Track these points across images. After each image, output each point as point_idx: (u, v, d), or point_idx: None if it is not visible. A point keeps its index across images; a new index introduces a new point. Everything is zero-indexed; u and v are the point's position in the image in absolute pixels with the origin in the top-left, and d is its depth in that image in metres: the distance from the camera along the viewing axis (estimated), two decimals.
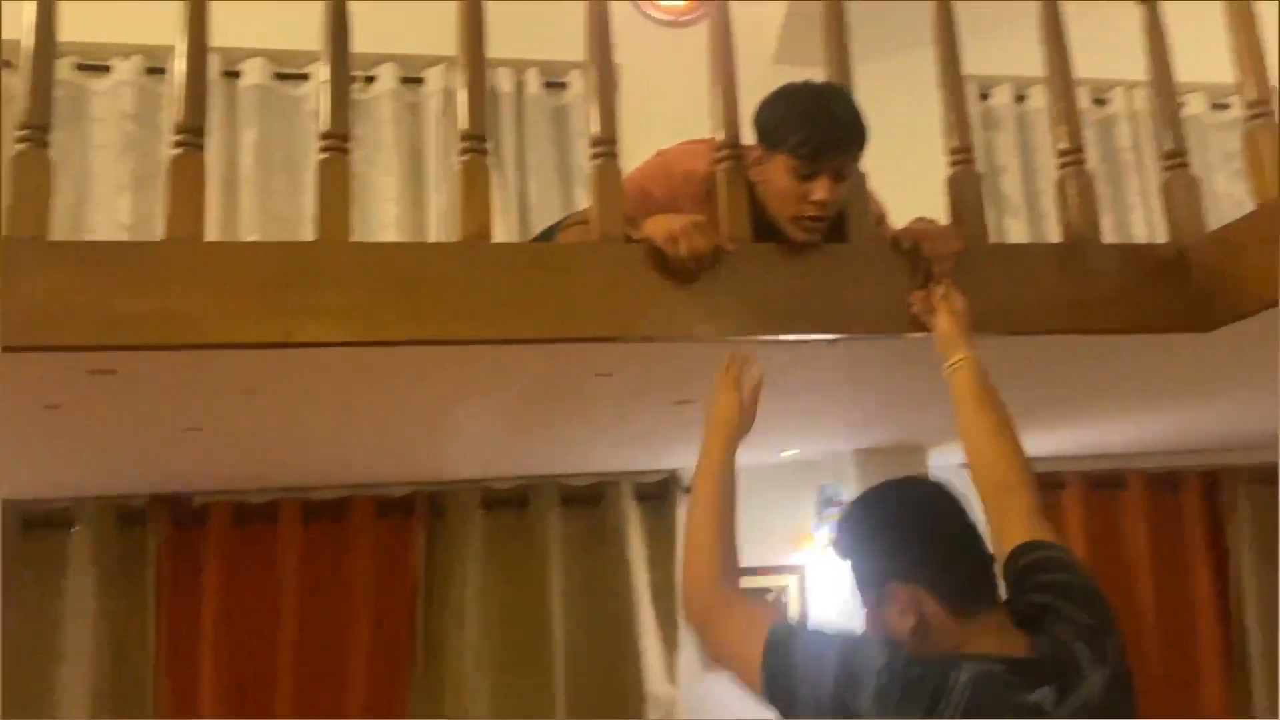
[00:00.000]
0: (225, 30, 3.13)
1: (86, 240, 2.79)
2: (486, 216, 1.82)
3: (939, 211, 2.06)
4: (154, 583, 3.11)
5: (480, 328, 1.79)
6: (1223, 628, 3.73)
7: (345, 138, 1.87)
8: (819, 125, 1.82)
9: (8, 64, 2.18)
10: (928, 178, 2.22)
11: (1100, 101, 4.28)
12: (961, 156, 2.03)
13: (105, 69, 3.53)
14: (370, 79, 3.70)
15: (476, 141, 1.84)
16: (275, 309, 1.68)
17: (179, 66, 1.81)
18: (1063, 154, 2.09)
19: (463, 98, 1.88)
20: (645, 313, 1.82)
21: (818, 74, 1.98)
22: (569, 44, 2.18)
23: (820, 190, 1.83)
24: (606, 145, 1.89)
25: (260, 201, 3.52)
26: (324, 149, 1.84)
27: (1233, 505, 3.80)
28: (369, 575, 3.22)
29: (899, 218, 2.09)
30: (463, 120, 1.85)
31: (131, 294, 1.65)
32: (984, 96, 4.18)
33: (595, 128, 1.90)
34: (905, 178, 2.37)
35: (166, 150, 1.82)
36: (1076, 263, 2.03)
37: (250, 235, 3.47)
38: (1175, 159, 2.12)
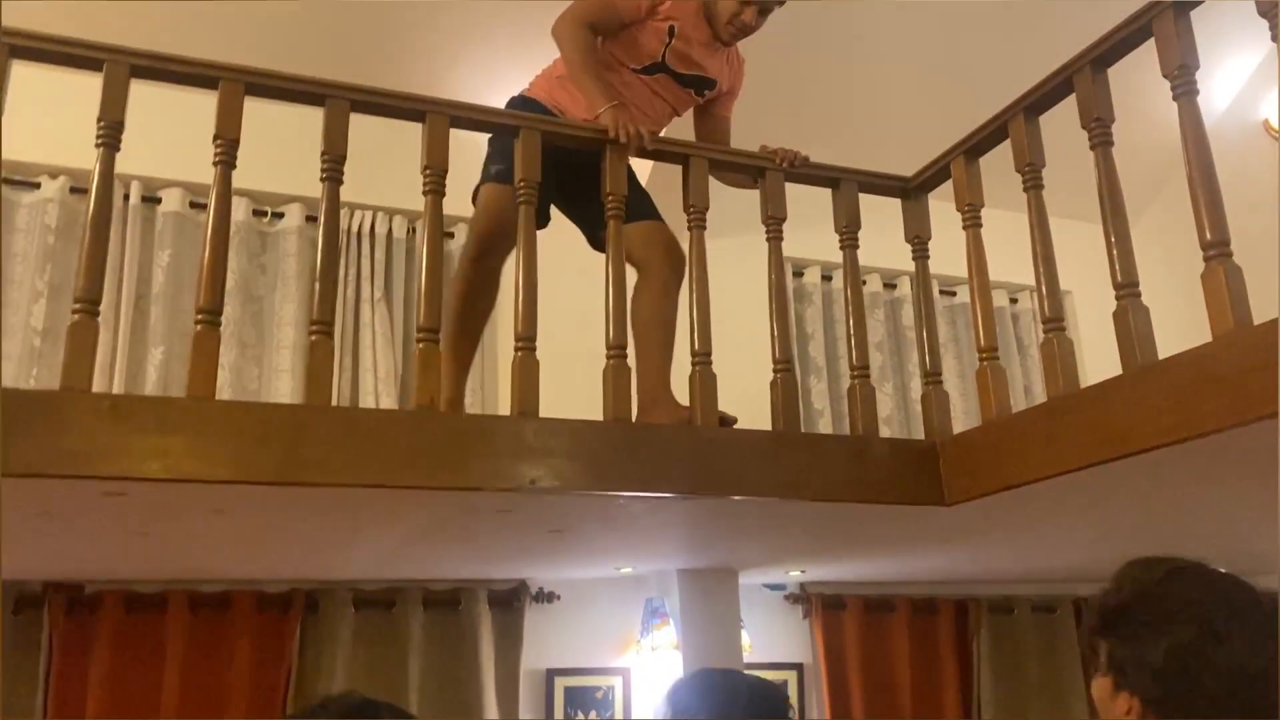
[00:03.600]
0: (145, 161, 3.60)
1: (120, 394, 3.21)
2: (436, 391, 2.37)
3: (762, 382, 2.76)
4: (44, 666, 3.37)
5: (420, 476, 2.32)
6: None
7: (329, 323, 2.35)
8: None
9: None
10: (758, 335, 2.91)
11: (890, 286, 5.21)
12: (783, 366, 2.74)
13: (35, 185, 3.87)
14: (279, 215, 4.18)
15: (430, 333, 2.40)
16: (274, 457, 2.17)
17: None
18: (854, 368, 2.84)
19: (425, 283, 2.42)
20: (543, 470, 2.40)
21: None
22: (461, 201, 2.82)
23: (748, 14, 2.86)
24: (526, 341, 2.48)
25: (169, 316, 3.90)
26: (313, 333, 2.32)
27: (977, 628, 4.65)
28: (248, 664, 3.58)
29: (740, 371, 2.85)
30: (425, 315, 2.40)
31: (158, 434, 2.11)
32: (798, 275, 5.02)
33: (520, 326, 2.49)
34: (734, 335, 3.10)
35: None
36: (861, 451, 2.76)
37: (157, 346, 3.85)
38: (932, 376, 2.91)
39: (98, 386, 3.60)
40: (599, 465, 2.43)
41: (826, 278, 5.08)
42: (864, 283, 5.03)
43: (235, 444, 2.17)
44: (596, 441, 2.45)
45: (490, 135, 2.86)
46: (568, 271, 3.05)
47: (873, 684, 4.45)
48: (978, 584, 4.72)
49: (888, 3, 4.27)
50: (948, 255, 3.03)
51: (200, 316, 2.25)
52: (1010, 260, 3.05)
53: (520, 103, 2.93)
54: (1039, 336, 5.22)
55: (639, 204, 2.85)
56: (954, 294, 5.23)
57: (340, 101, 2.46)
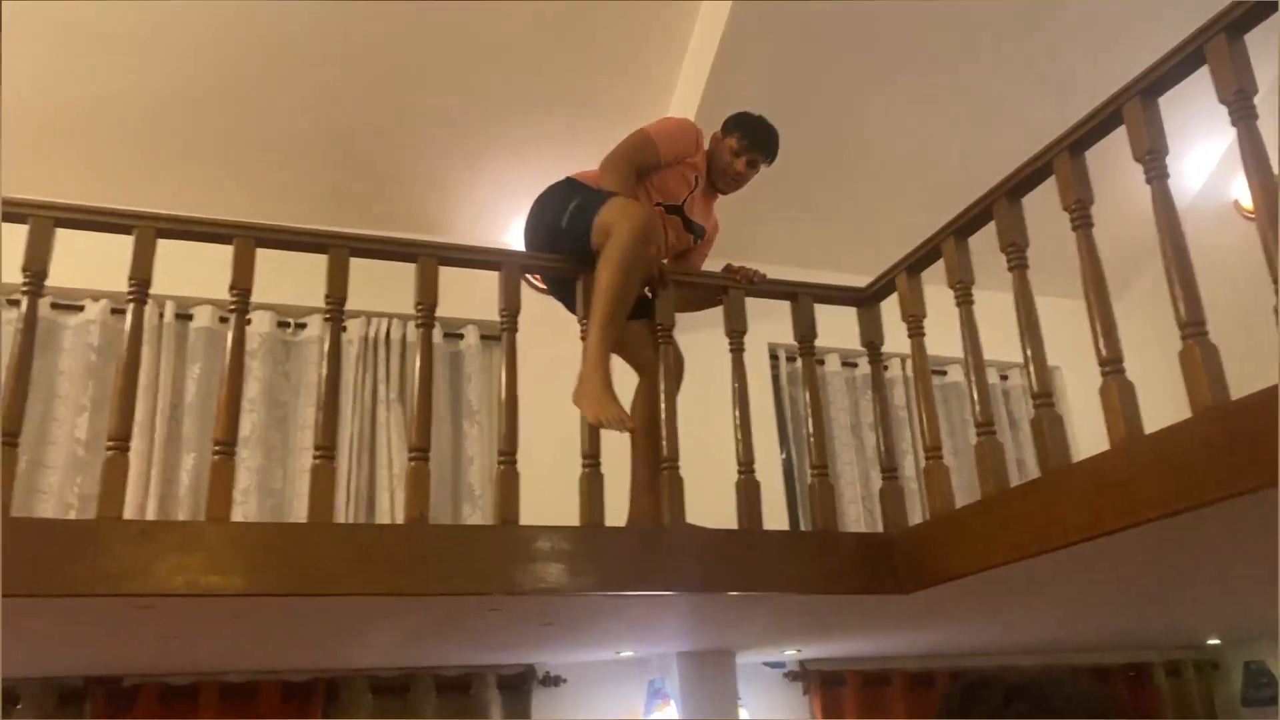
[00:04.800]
0: (178, 281, 3.96)
1: (148, 520, 3.59)
2: (425, 506, 2.65)
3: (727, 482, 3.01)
4: None
5: (412, 584, 2.59)
6: None
7: (331, 448, 2.65)
8: (761, 134, 3.33)
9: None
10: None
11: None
12: (745, 468, 3.00)
13: (79, 308, 4.25)
14: (301, 325, 4.53)
15: (421, 453, 2.69)
16: (282, 571, 2.46)
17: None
18: (814, 467, 3.09)
19: (417, 405, 2.72)
20: (523, 574, 2.67)
21: None
22: (463, 304, 3.12)
23: (740, 165, 3.29)
24: (508, 455, 2.77)
25: (201, 424, 4.24)
26: (317, 457, 2.62)
27: None
28: None
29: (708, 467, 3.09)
30: (412, 437, 2.70)
31: (180, 554, 2.40)
32: (791, 359, 5.29)
33: (502, 442, 2.78)
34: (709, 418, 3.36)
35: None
36: (824, 546, 3.00)
37: (189, 452, 4.19)
38: (890, 472, 3.15)
39: (136, 491, 4.01)
40: (575, 567, 2.69)
41: (820, 360, 5.34)
42: (854, 364, 5.33)
43: (249, 560, 2.46)
44: (572, 545, 2.71)
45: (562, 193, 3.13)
46: (543, 380, 3.34)
47: None
48: (973, 656, 4.89)
49: (864, 102, 4.59)
50: (939, 335, 3.15)
51: (217, 448, 2.55)
52: (1000, 338, 3.07)
53: (567, 183, 3.17)
54: (1029, 413, 5.49)
55: (640, 301, 3.08)
56: (944, 373, 5.46)
57: (340, 250, 2.79)
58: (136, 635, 3.06)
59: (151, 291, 2.67)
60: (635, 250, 2.86)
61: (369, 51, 4.22)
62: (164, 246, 2.71)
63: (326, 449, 2.62)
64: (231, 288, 2.70)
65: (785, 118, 3.42)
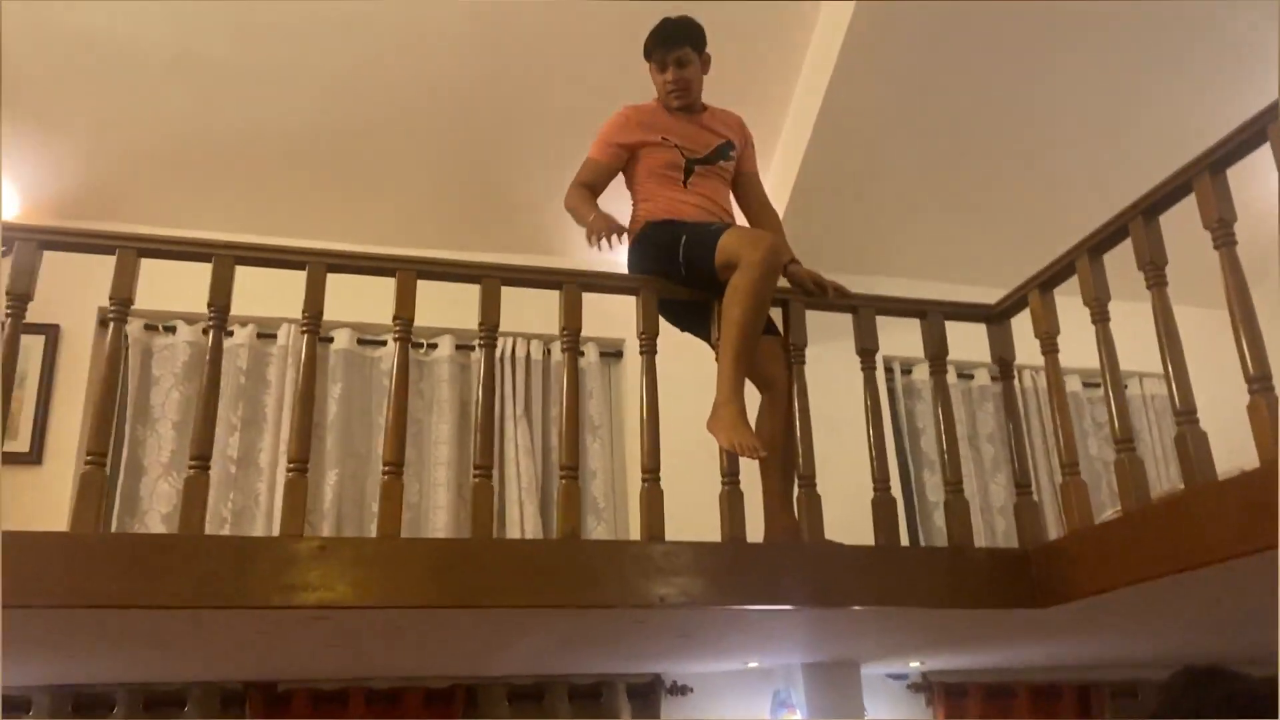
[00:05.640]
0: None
1: (326, 537, 3.82)
2: (577, 522, 2.78)
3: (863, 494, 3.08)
4: None
5: (565, 596, 2.72)
6: None
7: (489, 467, 2.80)
8: (654, 35, 3.23)
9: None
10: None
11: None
12: (881, 485, 3.06)
13: (229, 333, 4.51)
14: (433, 345, 4.73)
15: (570, 470, 2.83)
16: (447, 584, 2.61)
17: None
18: (948, 483, 3.14)
19: (565, 426, 2.86)
20: (670, 588, 2.77)
21: None
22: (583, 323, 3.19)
23: (668, 77, 3.23)
24: (651, 473, 2.88)
25: (342, 441, 4.47)
26: (477, 475, 2.78)
27: (1100, 713, 4.76)
28: None
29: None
30: (564, 455, 2.84)
31: (355, 568, 2.57)
32: (906, 372, 5.31)
33: (646, 460, 2.90)
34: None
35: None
36: (959, 561, 3.05)
37: (332, 469, 4.41)
38: (1023, 489, 3.18)
39: (280, 504, 4.23)
40: (719, 582, 2.80)
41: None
42: (970, 376, 5.32)
43: (417, 573, 2.62)
44: (715, 561, 2.81)
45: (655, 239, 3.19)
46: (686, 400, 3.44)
47: None
48: (1101, 669, 4.84)
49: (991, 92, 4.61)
50: (1072, 349, 3.15)
51: (386, 468, 2.72)
52: (1123, 348, 3.03)
53: (661, 225, 3.19)
54: (1150, 421, 5.40)
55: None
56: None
57: (409, 272, 2.95)
58: (296, 643, 3.26)
59: (291, 316, 2.86)
60: (765, 282, 2.92)
61: (499, 84, 4.41)
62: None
63: (484, 468, 2.77)
64: (396, 317, 2.88)
65: (907, 123, 3.38)
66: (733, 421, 2.81)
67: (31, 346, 4.23)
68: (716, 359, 2.96)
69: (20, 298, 2.66)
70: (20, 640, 2.86)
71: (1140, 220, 2.79)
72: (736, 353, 2.89)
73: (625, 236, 3.04)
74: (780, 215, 3.56)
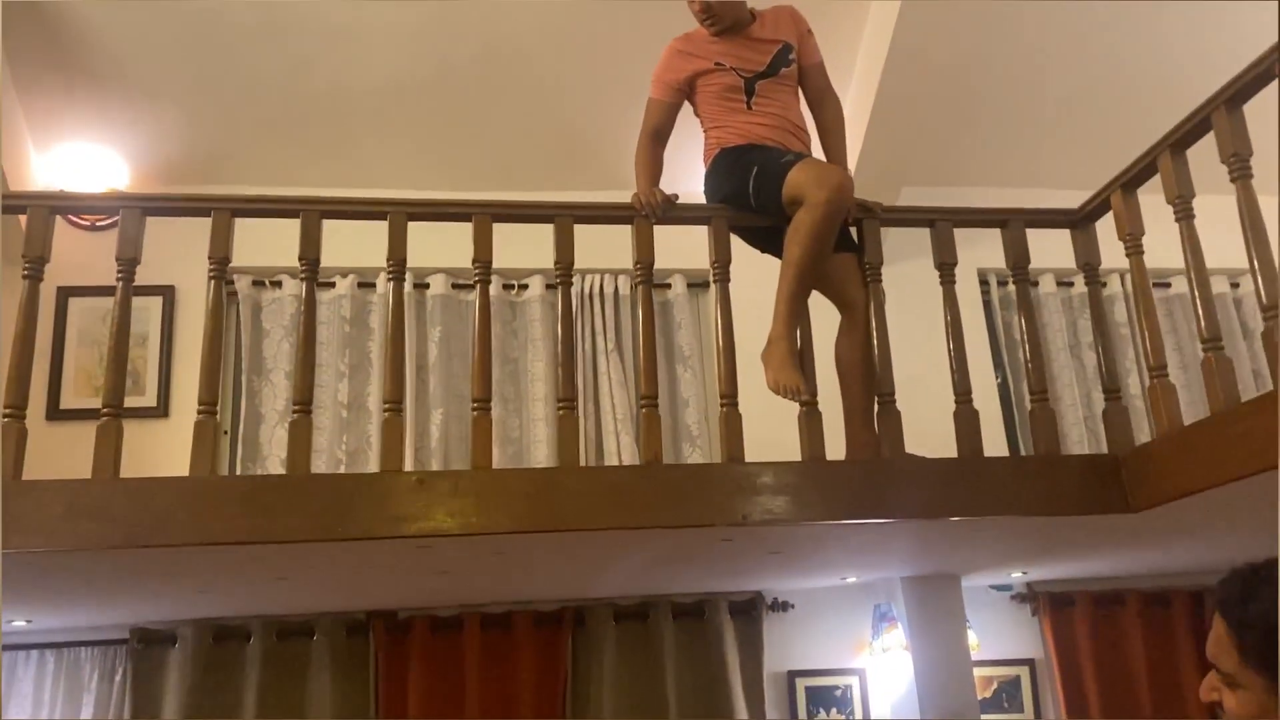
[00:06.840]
0: (415, 253, 4.33)
1: (423, 470, 4.09)
2: (659, 447, 2.87)
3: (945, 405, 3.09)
4: (374, 678, 4.16)
5: (651, 518, 2.83)
6: None
7: (573, 400, 2.91)
8: None
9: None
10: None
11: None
12: (963, 398, 3.06)
13: (331, 284, 4.72)
14: (524, 286, 4.86)
15: (650, 399, 2.91)
16: (539, 510, 2.74)
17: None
18: (1033, 392, 3.12)
19: (643, 357, 2.94)
20: (751, 506, 2.85)
21: None
22: (670, 256, 3.33)
23: (697, 4, 3.19)
24: (729, 398, 2.95)
25: (444, 382, 4.65)
26: (561, 408, 2.89)
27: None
28: (530, 672, 4.24)
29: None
30: (645, 385, 2.92)
31: (452, 499, 2.72)
32: (1002, 283, 5.22)
33: (723, 386, 2.96)
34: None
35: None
36: (1047, 469, 3.04)
37: (437, 408, 4.60)
38: (1112, 393, 3.14)
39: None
40: (800, 499, 2.86)
41: (1034, 283, 5.23)
42: (1070, 284, 5.19)
43: (510, 502, 2.76)
44: (796, 479, 2.88)
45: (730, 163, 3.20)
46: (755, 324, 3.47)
47: (1107, 677, 4.58)
48: (1215, 573, 4.73)
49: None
50: (1159, 246, 3.07)
51: (475, 404, 2.86)
52: (1223, 243, 3.00)
53: (734, 152, 3.19)
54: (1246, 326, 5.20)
55: (841, 234, 3.12)
56: (1168, 285, 5.25)
57: (484, 217, 3.05)
58: (412, 573, 3.47)
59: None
60: (827, 222, 2.90)
61: (570, 27, 4.43)
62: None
63: (569, 400, 2.88)
64: (475, 260, 2.99)
65: (986, 27, 3.23)
66: (781, 360, 2.87)
67: (150, 307, 4.50)
68: None
69: (129, 262, 2.86)
70: (158, 576, 3.12)
71: (1223, 110, 2.69)
72: (793, 292, 2.92)
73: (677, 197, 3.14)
74: (862, 129, 3.51)
